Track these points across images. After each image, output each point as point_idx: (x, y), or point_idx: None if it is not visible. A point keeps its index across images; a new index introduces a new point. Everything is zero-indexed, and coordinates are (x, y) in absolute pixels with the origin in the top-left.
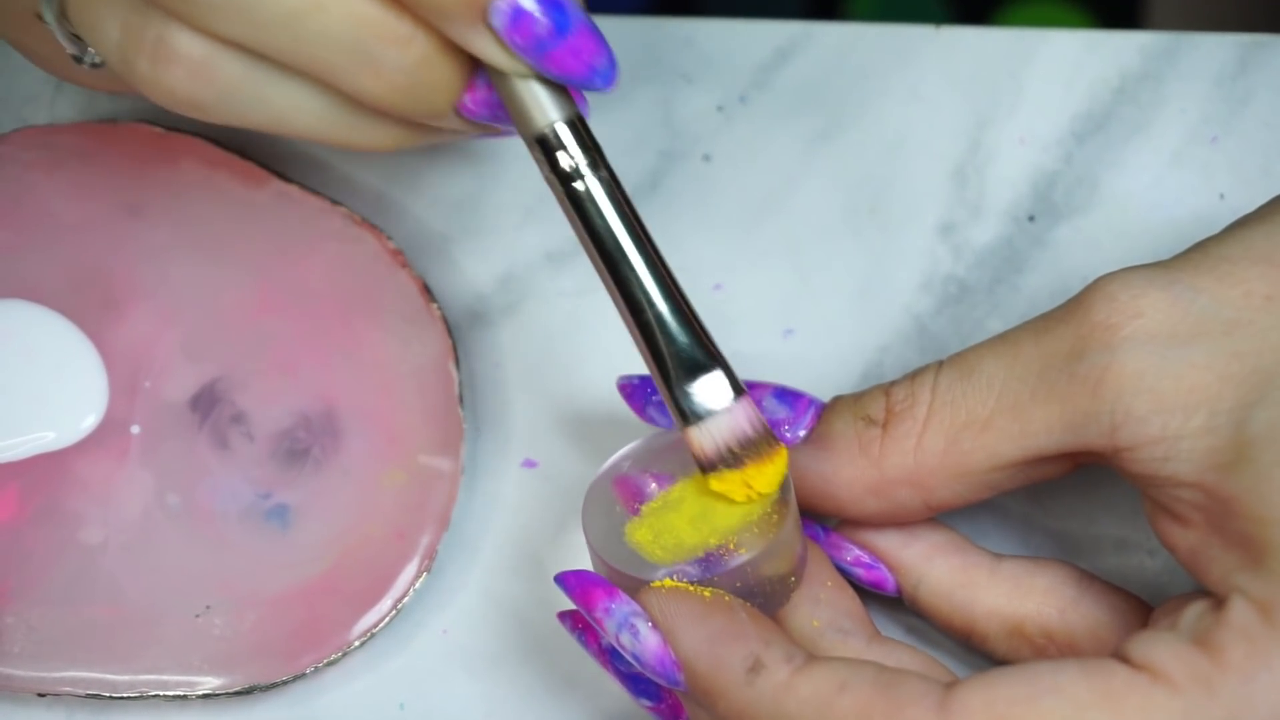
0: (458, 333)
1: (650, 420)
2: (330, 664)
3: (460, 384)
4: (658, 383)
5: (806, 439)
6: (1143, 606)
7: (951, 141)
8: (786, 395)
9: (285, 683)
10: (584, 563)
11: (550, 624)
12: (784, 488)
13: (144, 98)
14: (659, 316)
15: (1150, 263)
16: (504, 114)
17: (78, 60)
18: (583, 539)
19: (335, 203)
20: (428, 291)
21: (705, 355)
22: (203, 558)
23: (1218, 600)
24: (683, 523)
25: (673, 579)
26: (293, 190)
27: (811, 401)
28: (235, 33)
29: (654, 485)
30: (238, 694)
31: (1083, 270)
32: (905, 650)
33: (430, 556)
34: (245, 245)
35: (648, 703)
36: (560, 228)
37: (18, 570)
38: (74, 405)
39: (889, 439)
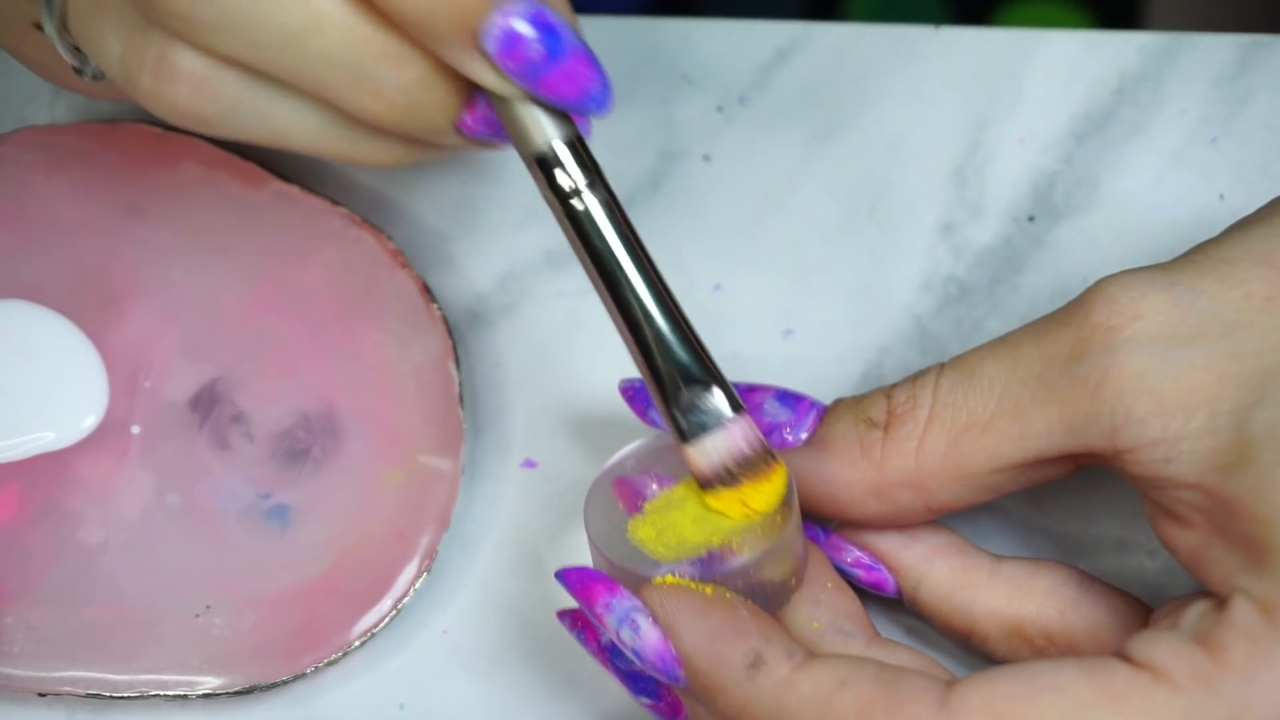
0: (458, 333)
1: (652, 423)
2: (330, 664)
3: (460, 384)
4: (656, 400)
5: (808, 441)
6: (1143, 608)
7: (951, 141)
8: (788, 398)
9: (285, 683)
10: (584, 562)
11: (550, 624)
12: (787, 489)
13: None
14: (657, 334)
15: (1150, 265)
16: (503, 133)
17: (78, 72)
18: (583, 539)
19: (335, 203)
20: (428, 291)
21: (703, 373)
22: (203, 558)
23: (1219, 600)
24: (685, 521)
25: (674, 576)
26: (293, 190)
27: (813, 404)
28: (235, 52)
29: (655, 486)
30: (238, 694)
31: (1083, 271)
32: (905, 652)
33: (430, 556)
34: (245, 246)
35: (647, 701)
36: (558, 229)
37: (18, 570)
38: (74, 405)
39: (890, 441)
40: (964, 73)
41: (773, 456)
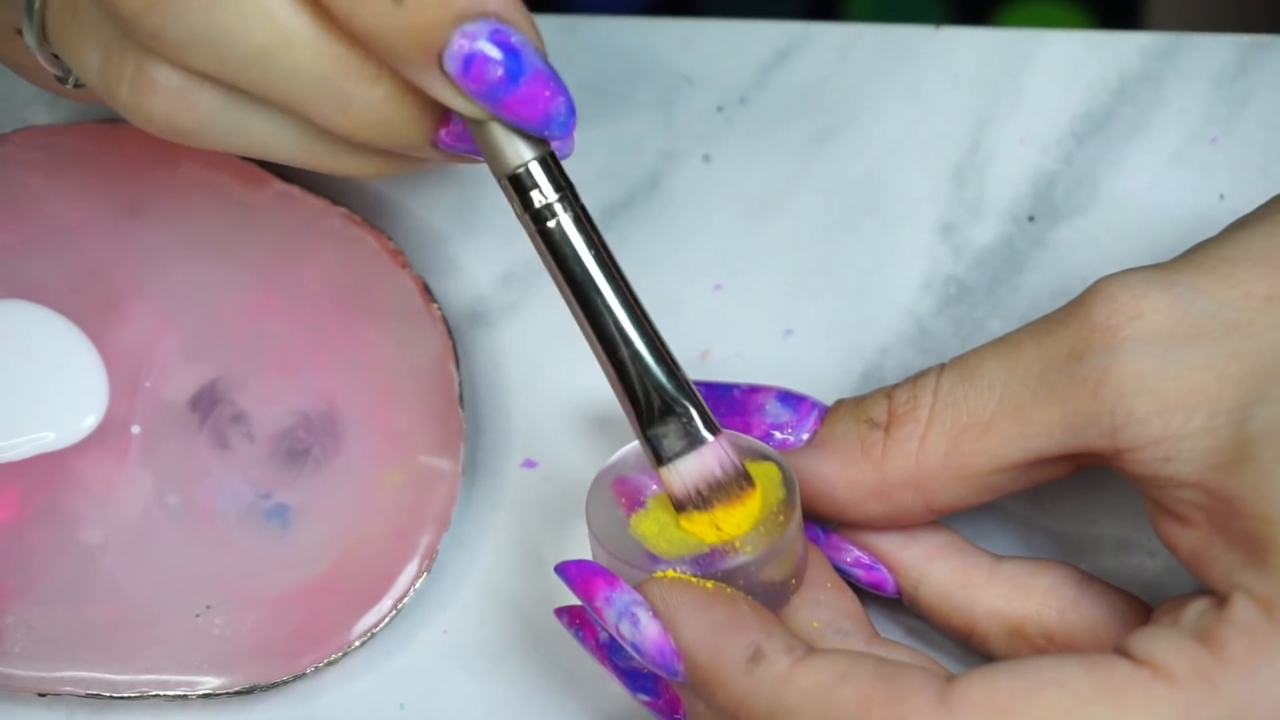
0: (458, 333)
1: None
2: (330, 664)
3: (460, 384)
4: (631, 421)
5: (809, 442)
6: (1143, 607)
7: (951, 142)
8: (789, 399)
9: (285, 683)
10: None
11: (550, 624)
12: (790, 490)
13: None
14: (633, 355)
15: (1150, 264)
16: None
17: (61, 80)
18: (583, 539)
19: (335, 203)
20: (428, 291)
21: (679, 394)
22: (203, 558)
23: (1220, 598)
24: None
25: (674, 572)
26: (293, 191)
27: (814, 405)
28: (206, 68)
29: (655, 486)
30: (238, 694)
31: (1083, 270)
32: (905, 651)
33: (430, 556)
34: (245, 246)
35: (645, 698)
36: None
37: (18, 570)
38: (74, 405)
39: (891, 442)
40: (964, 73)
41: (747, 480)
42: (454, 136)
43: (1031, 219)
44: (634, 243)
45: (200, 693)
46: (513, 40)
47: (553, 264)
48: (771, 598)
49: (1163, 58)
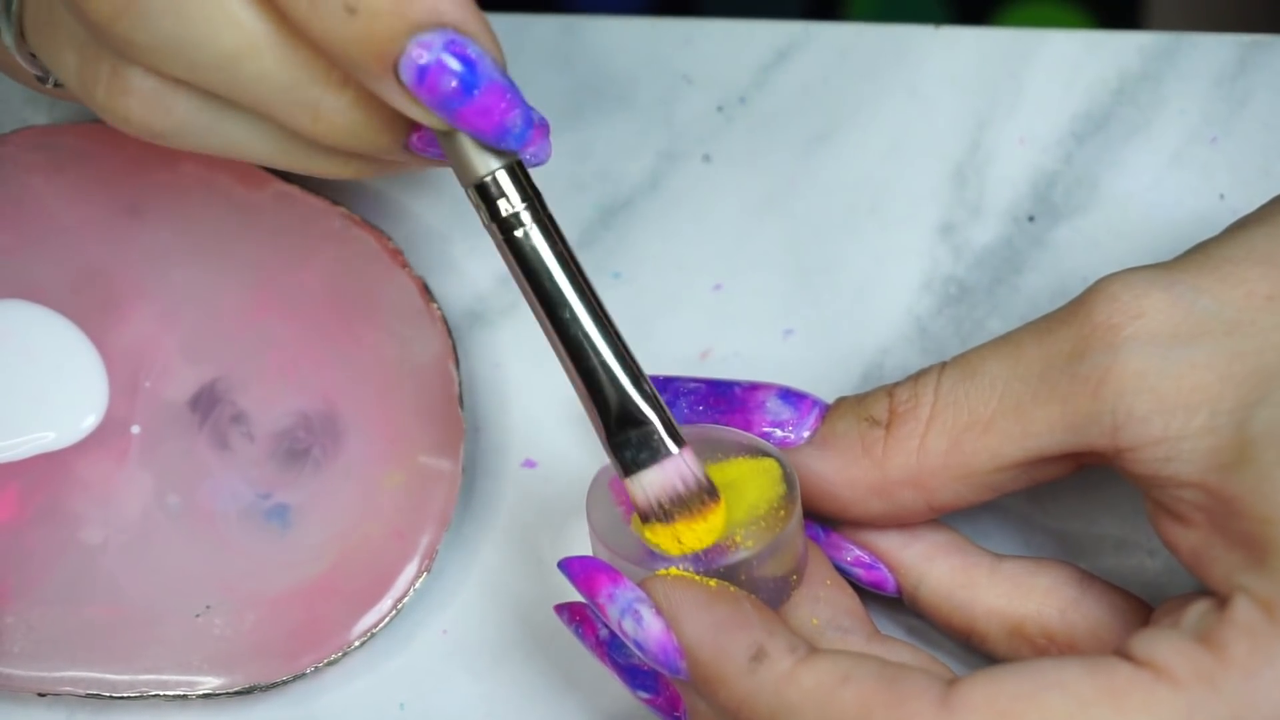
0: (458, 333)
1: None
2: (330, 664)
3: (460, 384)
4: (597, 431)
5: (810, 440)
6: (1143, 606)
7: (951, 142)
8: (790, 396)
9: (285, 683)
10: None
11: (550, 623)
12: (791, 487)
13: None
14: (601, 364)
15: (1152, 264)
16: None
17: (41, 80)
18: (583, 538)
19: (335, 203)
20: (428, 291)
21: (644, 405)
22: (203, 558)
23: (1221, 599)
24: None
25: (678, 569)
26: (293, 191)
27: (815, 402)
28: (175, 72)
29: None
30: (238, 694)
31: (1083, 270)
32: (905, 648)
33: (430, 556)
34: (245, 246)
35: (645, 695)
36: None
37: (18, 570)
38: (74, 405)
39: (892, 440)
40: (964, 73)
41: (710, 495)
42: (425, 141)
43: (1031, 219)
44: (633, 242)
45: (200, 693)
46: (468, 51)
47: (519, 273)
48: (773, 594)
49: (1163, 58)
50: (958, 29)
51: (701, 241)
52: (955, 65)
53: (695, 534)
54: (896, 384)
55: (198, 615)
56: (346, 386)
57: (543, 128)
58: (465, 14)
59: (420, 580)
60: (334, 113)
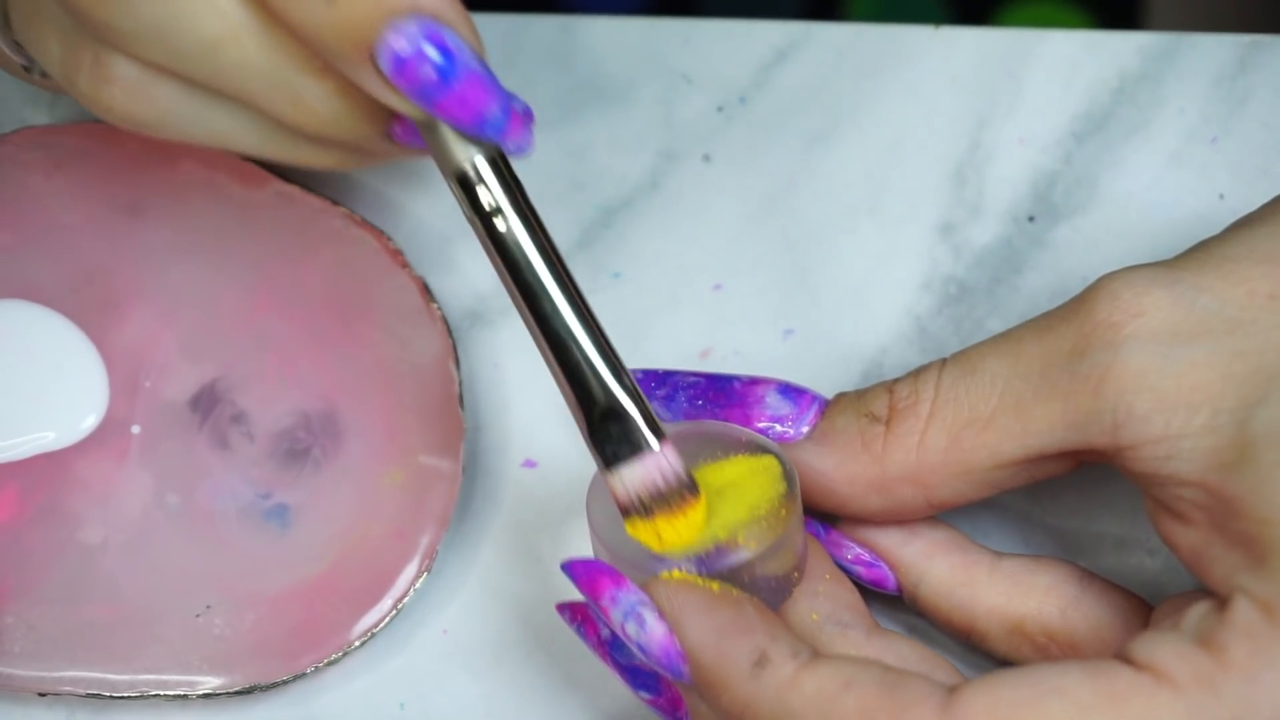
0: (458, 333)
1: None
2: (330, 664)
3: (460, 384)
4: (579, 424)
5: (809, 435)
6: (1144, 605)
7: (951, 141)
8: (790, 391)
9: (285, 682)
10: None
11: (551, 624)
12: (791, 485)
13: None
14: (583, 357)
15: (1153, 262)
16: None
17: (27, 70)
18: (584, 539)
19: (335, 203)
20: (428, 291)
21: (626, 397)
22: (202, 558)
23: (1220, 600)
24: None
25: (679, 570)
26: (293, 190)
27: (814, 398)
28: (158, 59)
29: None
30: (238, 694)
31: (1082, 270)
32: (905, 643)
33: (430, 556)
34: (245, 246)
35: (646, 695)
36: (559, 229)
37: (18, 570)
38: (74, 405)
39: (892, 436)
40: (964, 73)
41: (691, 490)
42: (408, 131)
43: (1031, 219)
44: (633, 242)
45: (200, 693)
46: (446, 40)
47: (500, 265)
48: (775, 592)
49: (1162, 58)
50: (957, 29)
51: (701, 241)
52: (955, 65)
53: (676, 530)
54: (896, 380)
55: (197, 615)
56: (346, 386)
57: (525, 118)
58: (443, 3)
59: (420, 580)
60: (315, 101)
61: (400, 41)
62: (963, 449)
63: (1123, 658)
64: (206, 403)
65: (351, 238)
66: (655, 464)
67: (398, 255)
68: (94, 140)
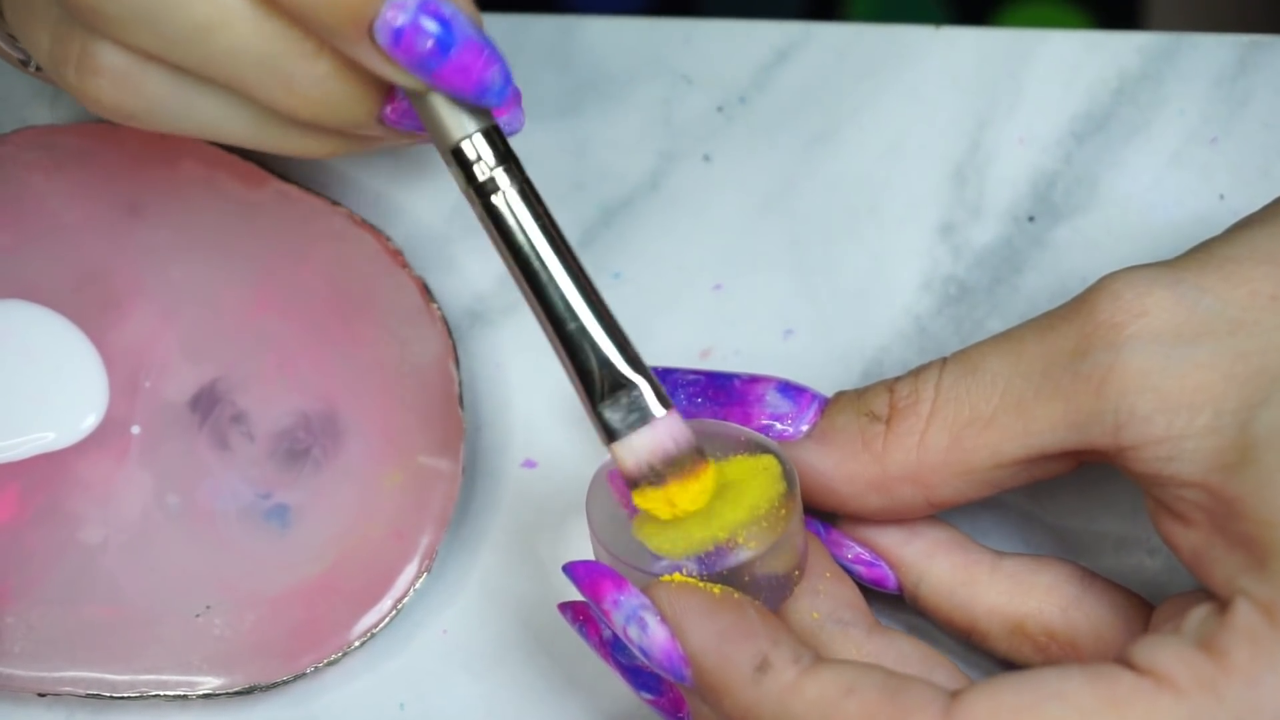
0: (458, 333)
1: None
2: (330, 664)
3: (460, 384)
4: (581, 397)
5: (809, 434)
6: (1145, 605)
7: (951, 142)
8: (789, 389)
9: (285, 683)
10: (586, 559)
11: (551, 624)
12: (790, 482)
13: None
14: (581, 329)
15: (1154, 262)
16: None
17: (23, 64)
18: (584, 539)
19: (335, 203)
20: (428, 291)
21: (629, 368)
22: (202, 558)
23: (1221, 603)
24: (692, 516)
25: (680, 572)
26: (292, 190)
27: (814, 396)
28: (147, 46)
29: None
30: (238, 694)
31: (1082, 271)
32: (906, 641)
33: (430, 556)
34: (245, 245)
35: (648, 695)
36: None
37: (18, 570)
38: (74, 405)
39: (892, 435)
40: (964, 73)
41: (701, 455)
42: (399, 113)
43: (1031, 219)
44: (634, 242)
45: (200, 693)
46: (443, 10)
47: (498, 238)
48: (776, 591)
49: (1162, 58)
50: (957, 29)
51: (701, 241)
52: (955, 65)
53: (689, 494)
54: (897, 379)
55: (197, 615)
56: (346, 386)
57: (515, 96)
58: None
59: (420, 580)
60: (308, 85)
61: (398, 14)
62: (964, 448)
63: (1124, 661)
64: (206, 403)
65: (351, 238)
66: (665, 428)
67: (398, 255)
68: (94, 140)
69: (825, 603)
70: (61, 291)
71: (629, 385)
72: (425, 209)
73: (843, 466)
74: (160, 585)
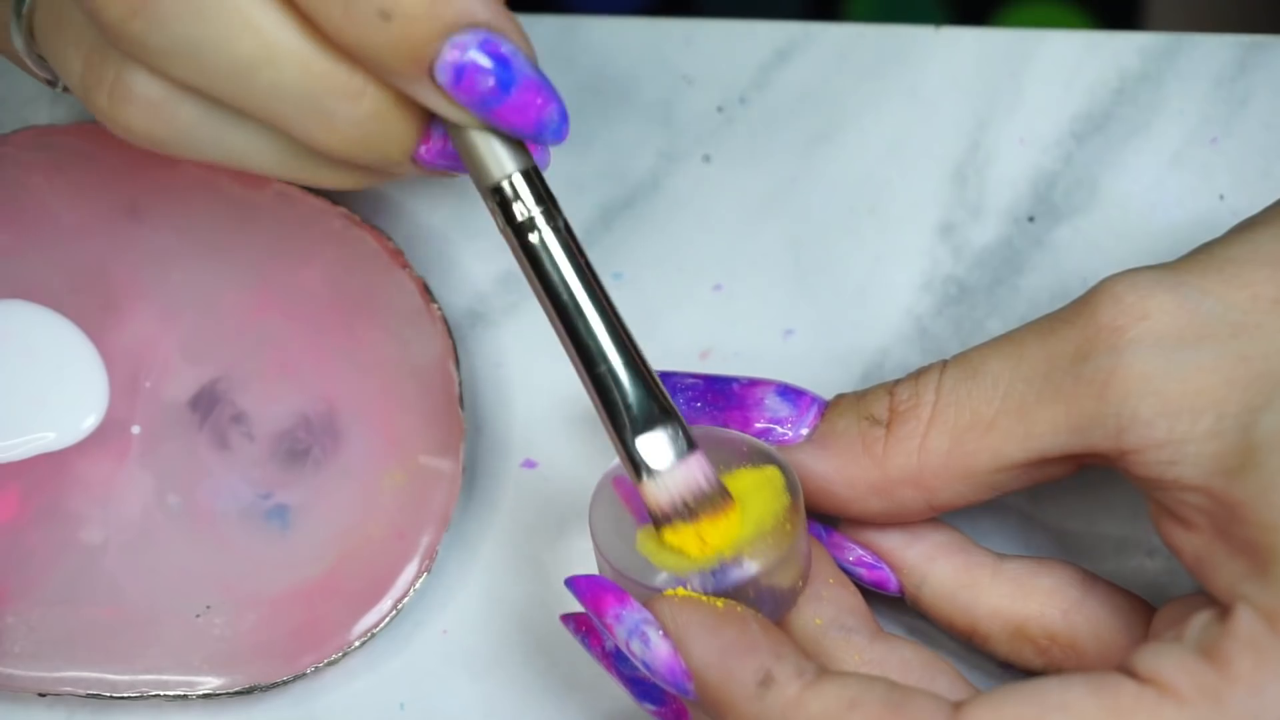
0: (458, 333)
1: None
2: (330, 664)
3: (460, 384)
4: (611, 436)
5: (809, 438)
6: (1146, 608)
7: (951, 142)
8: (789, 393)
9: (285, 683)
10: (585, 563)
11: (551, 624)
12: (794, 494)
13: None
14: (612, 370)
15: (1156, 264)
16: (459, 164)
17: (50, 84)
18: (584, 539)
19: (335, 203)
20: (428, 291)
21: (659, 409)
22: (203, 558)
23: (1223, 609)
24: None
25: (684, 588)
26: (292, 191)
27: (814, 399)
28: (187, 78)
29: None
30: (238, 694)
31: (1082, 271)
32: (908, 647)
33: (430, 556)
34: (245, 246)
35: (651, 706)
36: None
37: (18, 570)
38: (74, 405)
39: (893, 439)
40: (964, 73)
41: (727, 493)
42: (433, 154)
43: (1031, 219)
44: (634, 243)
45: (200, 693)
46: (503, 49)
47: (534, 277)
48: (780, 602)
49: (1163, 58)
50: (958, 30)
51: (701, 241)
52: (955, 66)
53: (719, 531)
54: (897, 382)
55: (198, 615)
56: (346, 386)
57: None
58: (496, 13)
59: (420, 580)
60: (349, 125)
61: (458, 54)
62: (965, 452)
63: (1126, 670)
64: (206, 403)
65: (351, 238)
66: (697, 466)
67: (398, 255)
68: (95, 141)
69: (828, 609)
70: (61, 292)
71: (657, 425)
72: (425, 209)
73: (843, 471)
74: (161, 585)
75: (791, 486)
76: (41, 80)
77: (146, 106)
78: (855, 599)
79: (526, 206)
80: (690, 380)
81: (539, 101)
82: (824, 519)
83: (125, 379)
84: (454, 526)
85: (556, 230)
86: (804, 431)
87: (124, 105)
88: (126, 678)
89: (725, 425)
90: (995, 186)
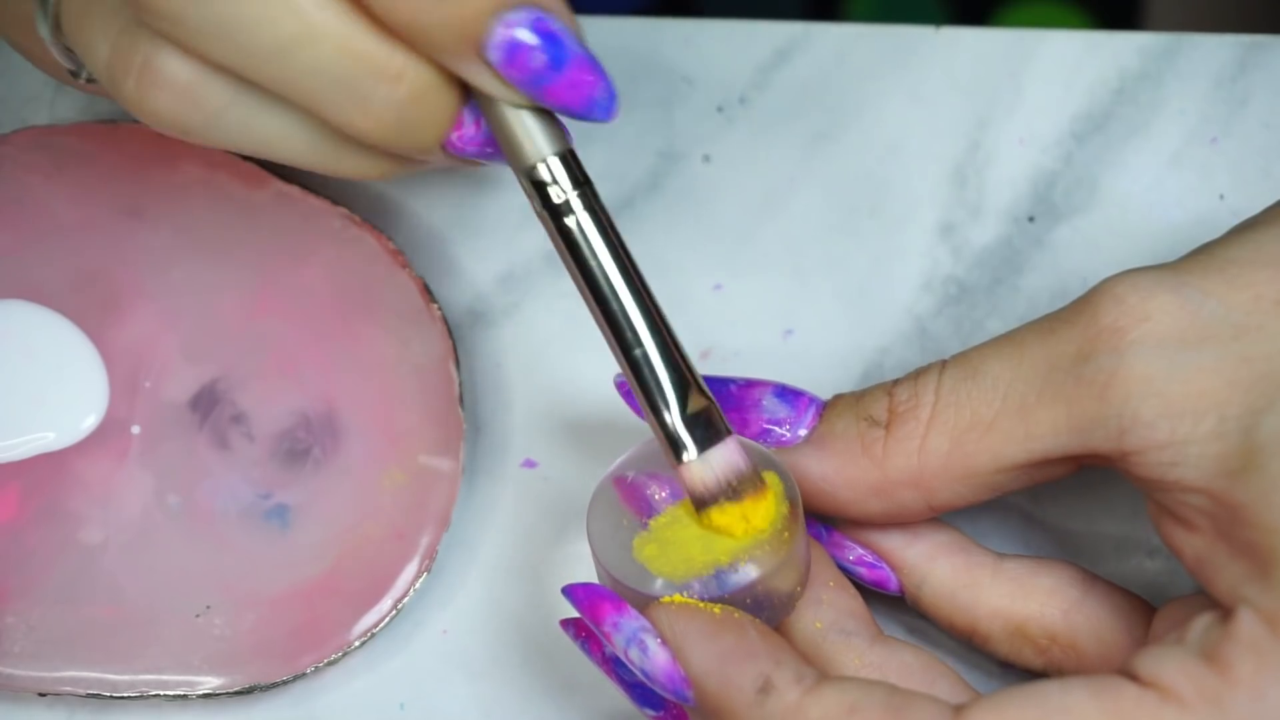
0: (458, 333)
1: None
2: (330, 664)
3: (460, 384)
4: (648, 418)
5: (807, 439)
6: (1146, 608)
7: (951, 142)
8: (787, 394)
9: (285, 683)
10: (584, 564)
11: (550, 624)
12: (793, 500)
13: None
14: (650, 353)
15: (1157, 265)
16: (490, 151)
17: (74, 75)
18: (583, 539)
19: (335, 203)
20: (428, 291)
21: (696, 391)
22: (203, 558)
23: (1225, 611)
24: (692, 539)
25: (682, 595)
26: (293, 191)
27: (812, 400)
28: (224, 59)
29: (655, 488)
30: (238, 694)
31: (1082, 271)
32: (909, 649)
33: (430, 556)
34: (245, 246)
35: (651, 712)
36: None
37: (18, 570)
38: (74, 405)
39: (892, 440)
40: (964, 73)
41: (761, 478)
42: (465, 140)
43: (1031, 219)
44: (634, 242)
45: (200, 693)
46: (553, 27)
47: (570, 260)
48: (780, 607)
49: (1162, 58)
50: (957, 30)
51: (701, 241)
52: (955, 66)
53: (761, 511)
54: (896, 382)
55: (198, 615)
56: (346, 386)
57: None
58: None
59: (420, 580)
60: (384, 108)
61: (509, 32)
62: (964, 453)
63: (1127, 673)
64: (206, 403)
65: (351, 238)
66: (738, 446)
67: (398, 255)
68: (95, 141)
69: (828, 612)
70: (61, 292)
71: (698, 406)
72: (425, 209)
73: (842, 472)
74: (160, 585)
75: (790, 492)
76: (60, 74)
77: (175, 90)
78: (855, 602)
79: (563, 189)
80: None
81: (589, 79)
82: (823, 519)
83: (125, 379)
84: (454, 526)
85: (593, 213)
86: (802, 433)
87: (152, 89)
88: (126, 677)
89: None
90: (995, 186)
